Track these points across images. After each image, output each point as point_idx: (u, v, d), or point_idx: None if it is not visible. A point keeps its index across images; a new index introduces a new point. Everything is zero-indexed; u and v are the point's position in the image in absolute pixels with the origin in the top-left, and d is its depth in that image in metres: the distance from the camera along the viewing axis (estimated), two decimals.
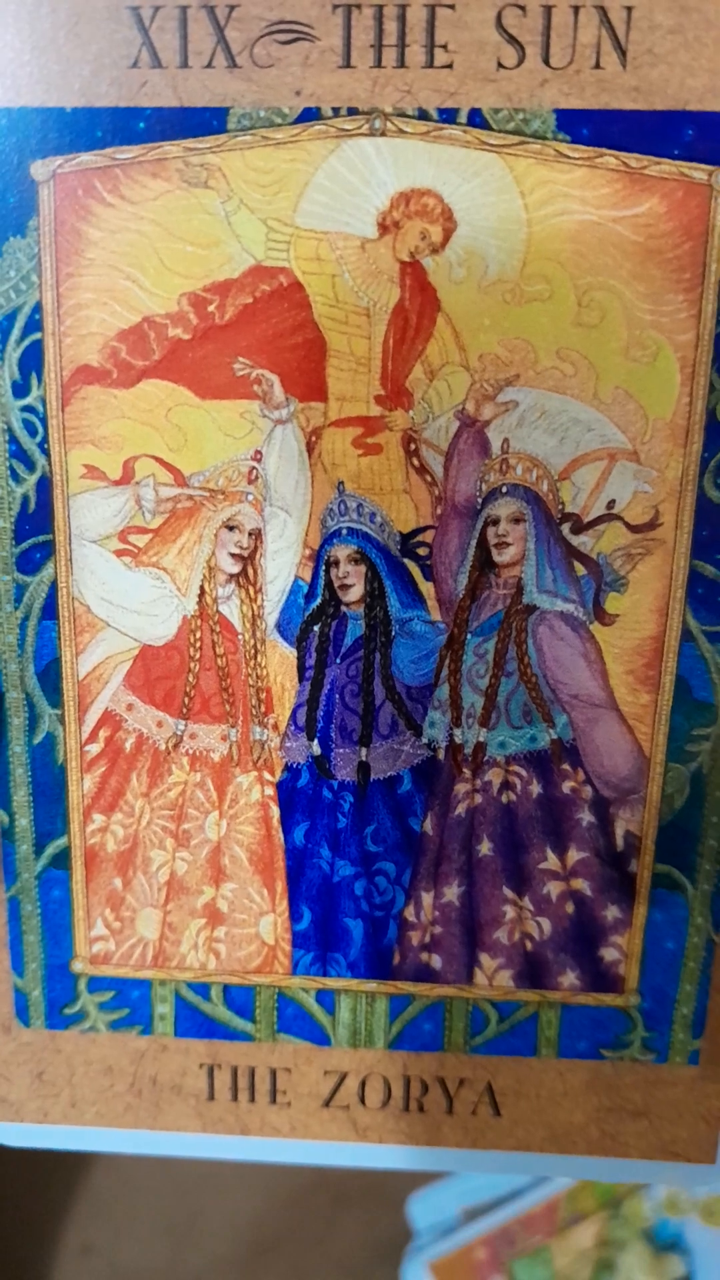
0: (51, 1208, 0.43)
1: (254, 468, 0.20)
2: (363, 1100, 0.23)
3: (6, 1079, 0.24)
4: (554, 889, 0.22)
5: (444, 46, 0.18)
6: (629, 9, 0.18)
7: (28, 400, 0.20)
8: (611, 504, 0.20)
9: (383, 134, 0.18)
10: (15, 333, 0.20)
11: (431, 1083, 0.23)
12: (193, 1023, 0.23)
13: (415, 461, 0.20)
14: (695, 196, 0.18)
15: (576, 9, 0.18)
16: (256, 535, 0.20)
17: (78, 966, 0.23)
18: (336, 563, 0.20)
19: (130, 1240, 0.43)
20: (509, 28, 0.18)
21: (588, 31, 0.18)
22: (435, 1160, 0.23)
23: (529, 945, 0.23)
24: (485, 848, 0.22)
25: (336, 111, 0.18)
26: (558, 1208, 0.40)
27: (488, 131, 0.18)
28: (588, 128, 0.18)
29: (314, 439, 0.20)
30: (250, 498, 0.20)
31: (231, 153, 0.18)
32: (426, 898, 0.23)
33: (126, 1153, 0.24)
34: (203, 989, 0.23)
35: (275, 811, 0.22)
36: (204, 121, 0.18)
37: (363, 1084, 0.23)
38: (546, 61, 0.18)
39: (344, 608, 0.21)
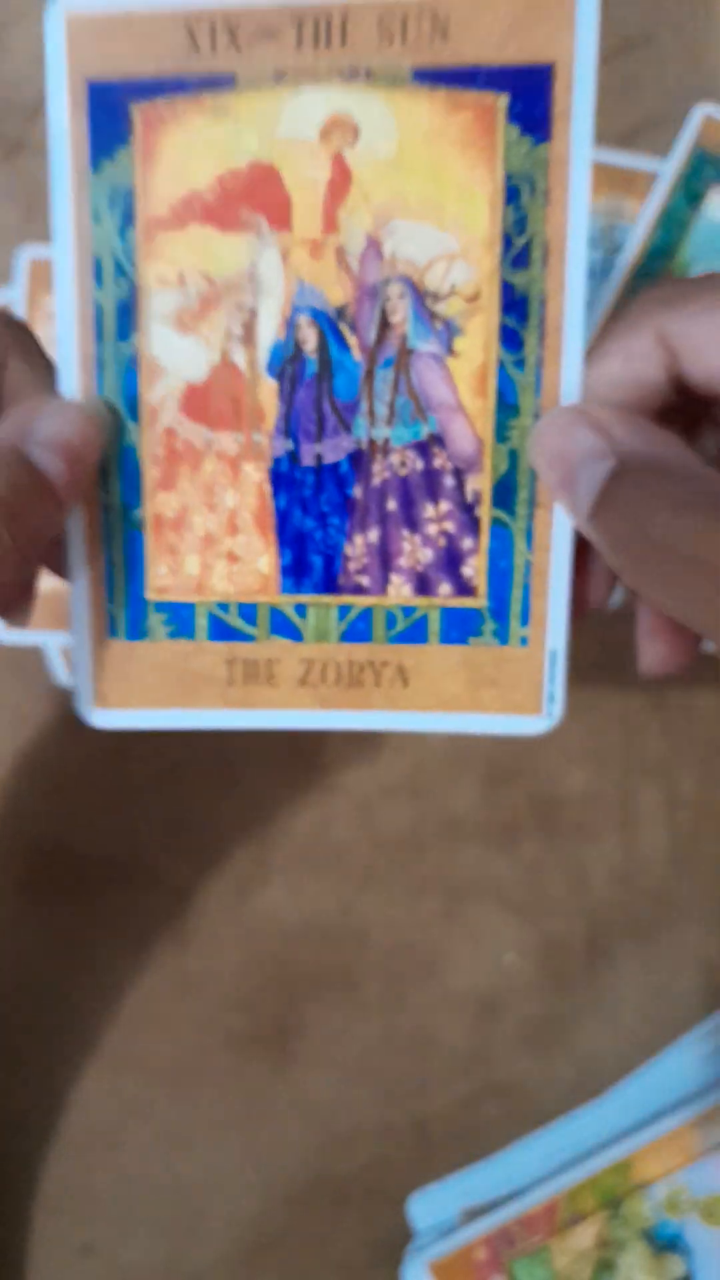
0: (51, 1208, 0.45)
1: (253, 271, 0.30)
2: (323, 678, 0.33)
3: (101, 677, 0.34)
4: (433, 529, 0.31)
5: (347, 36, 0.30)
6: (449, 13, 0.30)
7: (125, 243, 0.29)
8: (453, 286, 0.30)
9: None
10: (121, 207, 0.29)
11: (364, 664, 0.32)
12: (218, 630, 0.33)
13: (343, 264, 0.30)
14: (489, 109, 0.29)
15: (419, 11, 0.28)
16: (253, 312, 0.31)
17: (148, 595, 0.33)
18: (299, 326, 0.31)
19: (130, 1240, 0.44)
20: (388, 26, 0.30)
21: (426, 23, 0.30)
22: (370, 720, 0.33)
23: (419, 567, 0.31)
24: (391, 504, 0.31)
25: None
26: (557, 1208, 0.42)
27: (375, 82, 0.29)
28: (431, 77, 0.28)
29: (285, 253, 0.30)
30: (251, 289, 0.31)
31: (239, 96, 0.29)
32: (358, 539, 0.31)
33: (174, 728, 0.34)
34: (225, 607, 0.33)
35: (268, 488, 0.31)
36: (223, 81, 0.29)
37: (323, 667, 0.33)
38: (404, 42, 0.28)
39: (304, 354, 0.30)
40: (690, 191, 0.48)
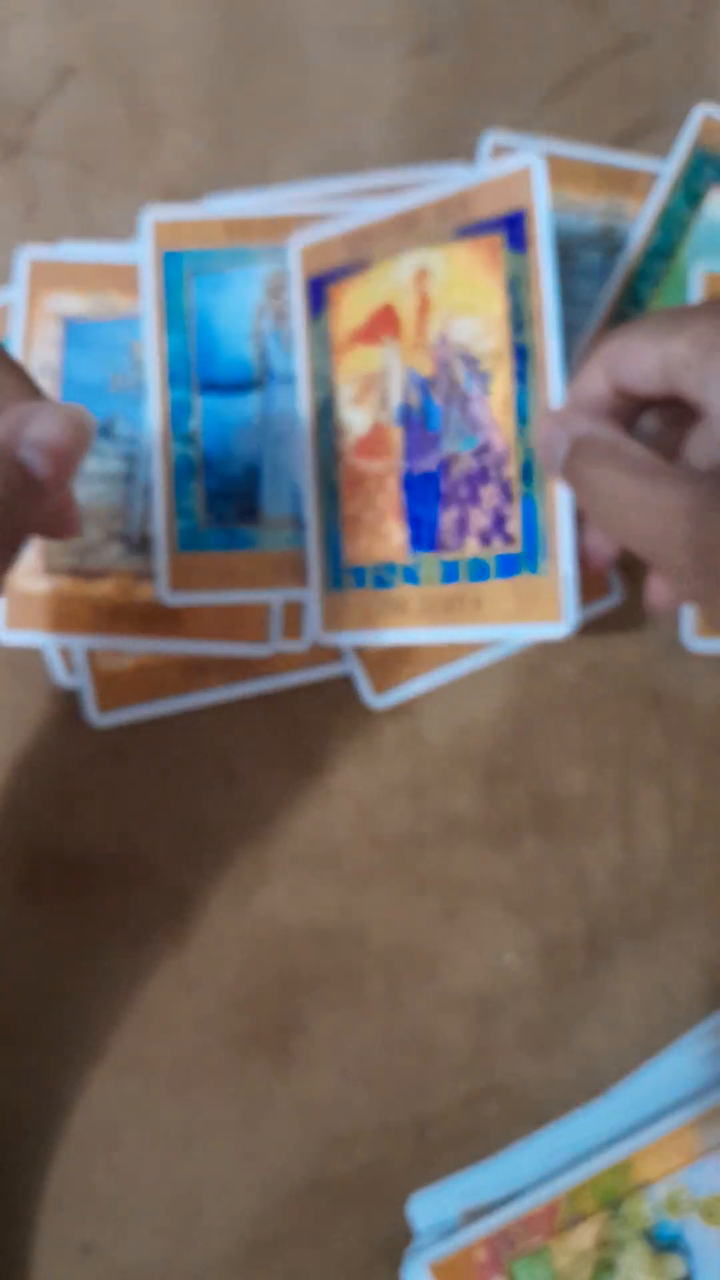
0: (51, 1207, 0.44)
1: (386, 367, 0.46)
2: (433, 607, 0.44)
3: (324, 613, 0.47)
4: (487, 505, 0.43)
5: (421, 223, 0.46)
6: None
7: (327, 361, 0.47)
8: (485, 351, 0.43)
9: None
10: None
11: (455, 596, 0.44)
12: (377, 581, 0.46)
13: (429, 353, 0.45)
14: (495, 243, 0.43)
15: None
16: (386, 390, 0.46)
17: (343, 564, 0.46)
18: (409, 393, 0.46)
19: (130, 1240, 0.44)
20: (440, 211, 0.46)
21: (457, 204, 0.45)
22: (461, 634, 0.44)
23: (482, 528, 0.44)
24: (463, 492, 0.44)
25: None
26: (558, 1209, 0.42)
27: (435, 242, 0.45)
28: (462, 232, 0.44)
29: (400, 353, 0.46)
30: (384, 376, 0.46)
31: (373, 269, 0.46)
32: (447, 514, 0.44)
33: (362, 644, 0.47)
34: (379, 567, 0.46)
35: (400, 492, 0.46)
36: (365, 263, 0.46)
37: (433, 600, 0.44)
38: (448, 218, 0.45)
39: (412, 409, 0.46)
40: (690, 191, 0.48)
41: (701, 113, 0.46)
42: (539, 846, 0.49)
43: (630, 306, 0.46)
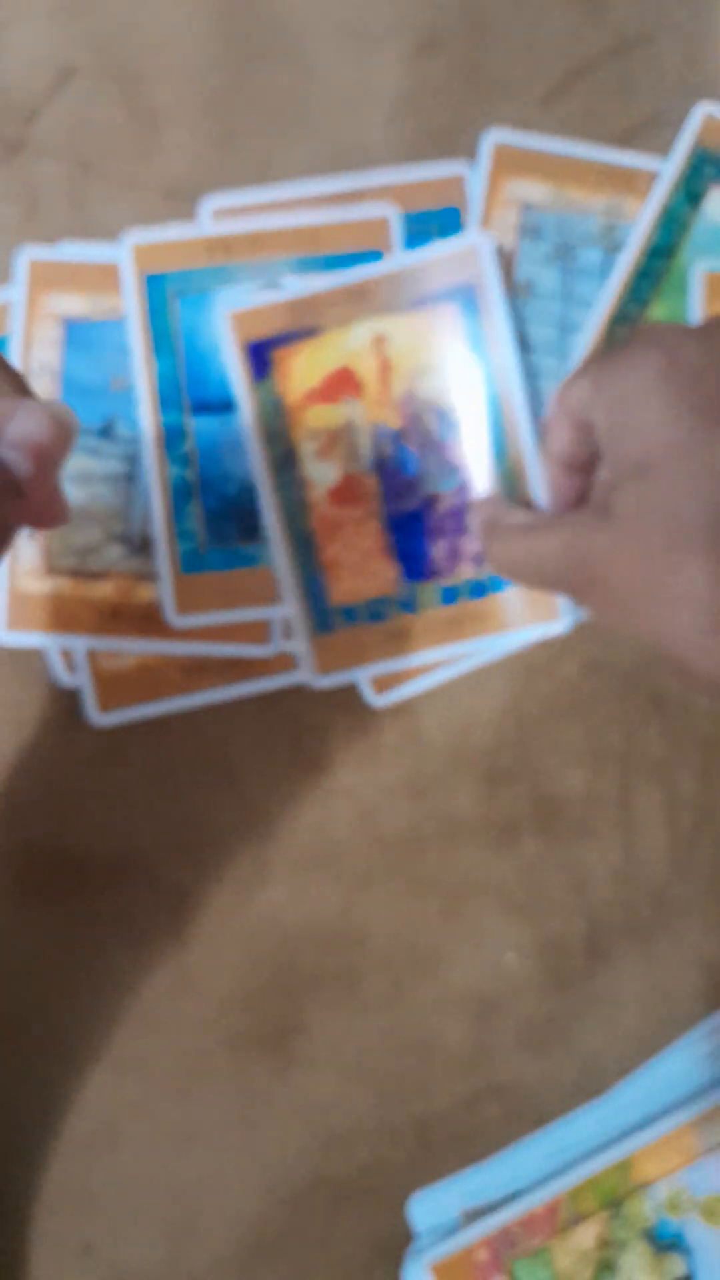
0: (51, 1207, 0.45)
1: (350, 422, 0.48)
2: (436, 628, 0.47)
3: (315, 657, 0.48)
4: (474, 530, 0.46)
5: (374, 294, 0.48)
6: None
7: (280, 420, 0.47)
8: (455, 404, 0.48)
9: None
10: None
11: (456, 615, 0.47)
12: (371, 615, 0.48)
13: (396, 408, 0.48)
14: (452, 311, 0.47)
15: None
16: (355, 442, 0.48)
17: (329, 604, 0.48)
18: (380, 444, 0.48)
19: (130, 1240, 0.45)
20: (394, 284, 0.48)
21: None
22: (468, 647, 0.47)
23: (474, 552, 0.47)
24: (450, 524, 0.47)
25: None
26: (558, 1208, 0.42)
27: (391, 311, 0.47)
28: (418, 302, 0.47)
29: (364, 410, 0.48)
30: (351, 431, 0.48)
31: (324, 335, 0.48)
32: (437, 546, 0.47)
33: (365, 677, 0.47)
34: (372, 601, 0.48)
35: (383, 532, 0.48)
36: (314, 330, 0.48)
37: (435, 621, 0.47)
38: (403, 290, 0.47)
39: (386, 458, 0.48)
40: (690, 191, 0.48)
41: (702, 112, 0.46)
42: (539, 846, 0.48)
43: (631, 306, 0.46)
